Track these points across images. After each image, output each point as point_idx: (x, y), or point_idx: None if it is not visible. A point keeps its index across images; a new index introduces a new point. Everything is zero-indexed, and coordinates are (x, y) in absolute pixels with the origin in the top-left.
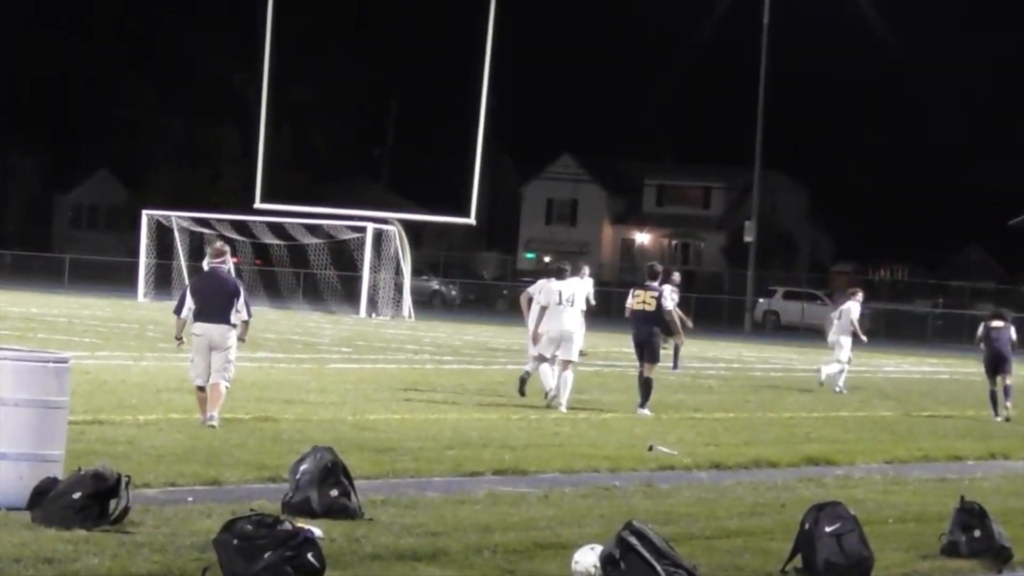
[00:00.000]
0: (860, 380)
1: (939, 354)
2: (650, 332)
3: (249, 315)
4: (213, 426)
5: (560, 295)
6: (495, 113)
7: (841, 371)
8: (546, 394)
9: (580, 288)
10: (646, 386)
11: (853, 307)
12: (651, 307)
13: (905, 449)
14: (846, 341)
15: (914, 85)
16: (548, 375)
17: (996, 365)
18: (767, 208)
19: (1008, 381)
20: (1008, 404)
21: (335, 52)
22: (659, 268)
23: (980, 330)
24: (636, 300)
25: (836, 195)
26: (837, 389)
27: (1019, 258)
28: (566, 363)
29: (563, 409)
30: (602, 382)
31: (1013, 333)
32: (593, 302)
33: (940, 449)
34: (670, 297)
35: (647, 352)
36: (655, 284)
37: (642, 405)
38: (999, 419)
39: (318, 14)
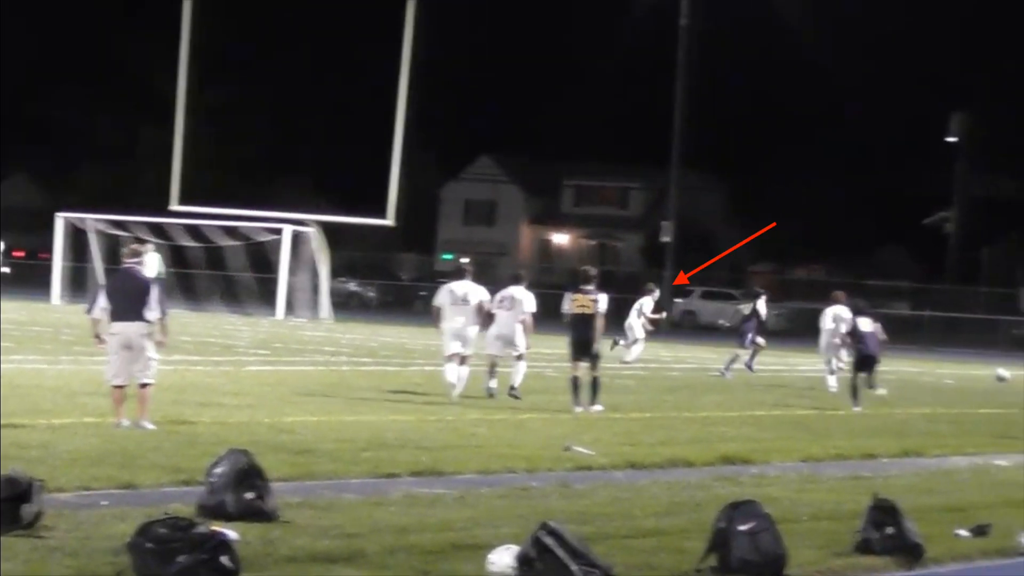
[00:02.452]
0: (776, 379)
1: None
2: (592, 335)
3: (162, 313)
4: (148, 428)
5: (453, 294)
6: (413, 114)
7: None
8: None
9: (473, 289)
10: (595, 385)
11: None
12: (590, 310)
13: (820, 447)
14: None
15: (831, 86)
16: (452, 372)
17: (868, 363)
18: (685, 208)
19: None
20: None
21: (255, 52)
22: (593, 272)
23: (847, 326)
24: (575, 304)
25: (754, 195)
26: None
27: (934, 257)
28: (463, 358)
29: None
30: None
31: (879, 331)
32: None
33: (854, 447)
34: (604, 302)
35: (590, 354)
36: (591, 288)
37: (593, 402)
38: (858, 409)
39: (237, 13)
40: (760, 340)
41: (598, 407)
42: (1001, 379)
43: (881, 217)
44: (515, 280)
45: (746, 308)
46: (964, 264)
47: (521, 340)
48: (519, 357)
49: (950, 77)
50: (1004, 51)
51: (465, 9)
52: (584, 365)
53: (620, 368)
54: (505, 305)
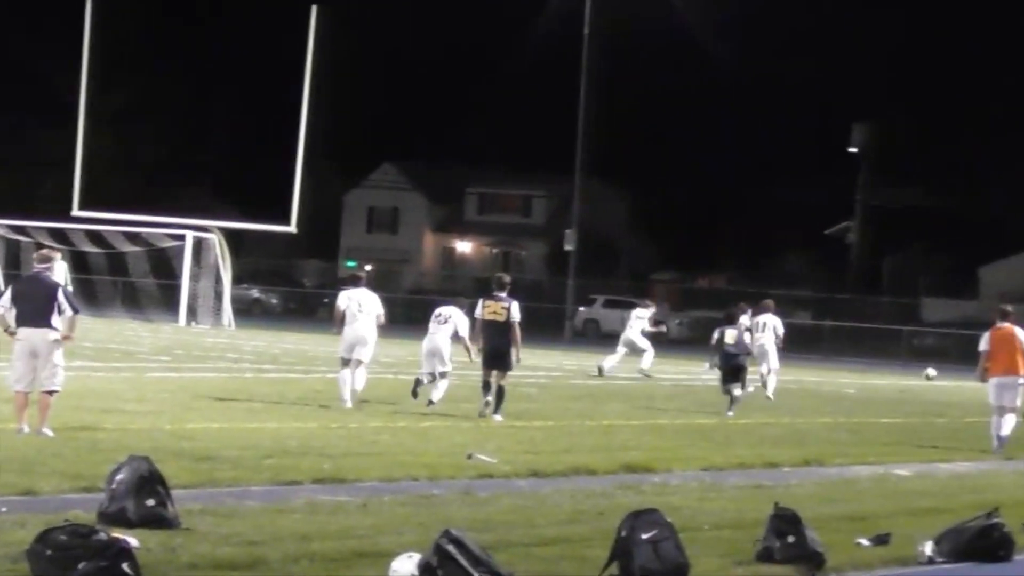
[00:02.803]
0: (678, 388)
1: (756, 361)
2: (503, 342)
3: (75, 310)
4: (48, 435)
5: (350, 301)
6: (316, 121)
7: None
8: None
9: (369, 297)
10: (500, 393)
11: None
12: (502, 317)
13: (722, 456)
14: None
15: (735, 95)
16: (346, 381)
17: (736, 372)
18: (588, 217)
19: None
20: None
21: (158, 56)
22: (507, 279)
23: (716, 335)
24: (487, 311)
25: (657, 204)
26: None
27: (837, 267)
28: (358, 363)
29: (348, 405)
30: (422, 390)
31: (746, 337)
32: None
33: (756, 456)
34: (517, 310)
35: (500, 362)
36: (503, 295)
37: (496, 411)
38: (731, 414)
39: (140, 17)
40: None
41: (498, 417)
42: (929, 378)
43: (784, 227)
44: (452, 300)
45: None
46: (866, 274)
47: (448, 357)
48: (443, 375)
49: (852, 87)
50: (905, 61)
51: (369, 16)
52: (496, 372)
53: (521, 375)
54: (439, 320)
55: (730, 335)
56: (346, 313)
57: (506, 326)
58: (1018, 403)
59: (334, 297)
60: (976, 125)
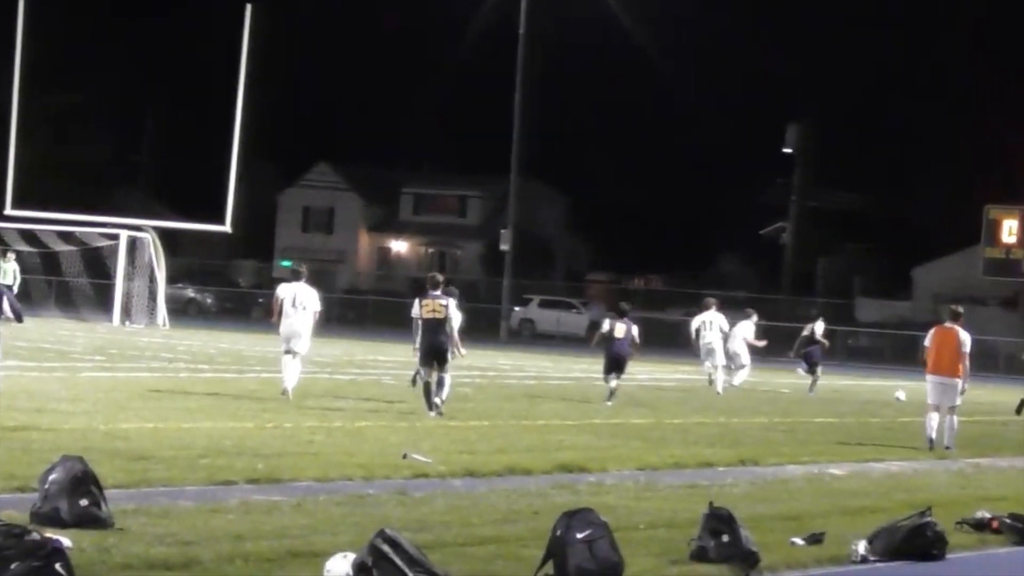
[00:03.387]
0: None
1: (692, 362)
2: (443, 339)
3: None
4: None
5: (288, 295)
6: (251, 120)
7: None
8: (284, 390)
9: (307, 292)
10: (441, 383)
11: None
12: (441, 315)
13: (657, 456)
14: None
15: (670, 96)
16: (289, 369)
17: (617, 365)
18: (524, 217)
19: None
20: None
21: (92, 56)
22: (440, 278)
23: (605, 327)
24: (425, 309)
25: (592, 205)
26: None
27: (771, 267)
28: (295, 354)
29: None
30: (357, 390)
31: (635, 331)
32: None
33: (691, 456)
34: (455, 306)
35: (441, 357)
36: (439, 293)
37: (438, 394)
38: (609, 404)
39: (73, 16)
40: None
41: (443, 396)
42: (899, 399)
43: (719, 227)
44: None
45: (807, 330)
46: (800, 275)
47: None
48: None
49: (787, 88)
50: (840, 62)
51: (303, 16)
52: (436, 367)
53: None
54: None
55: (619, 329)
56: (283, 307)
57: (445, 323)
58: (957, 402)
59: (269, 297)
60: (909, 127)
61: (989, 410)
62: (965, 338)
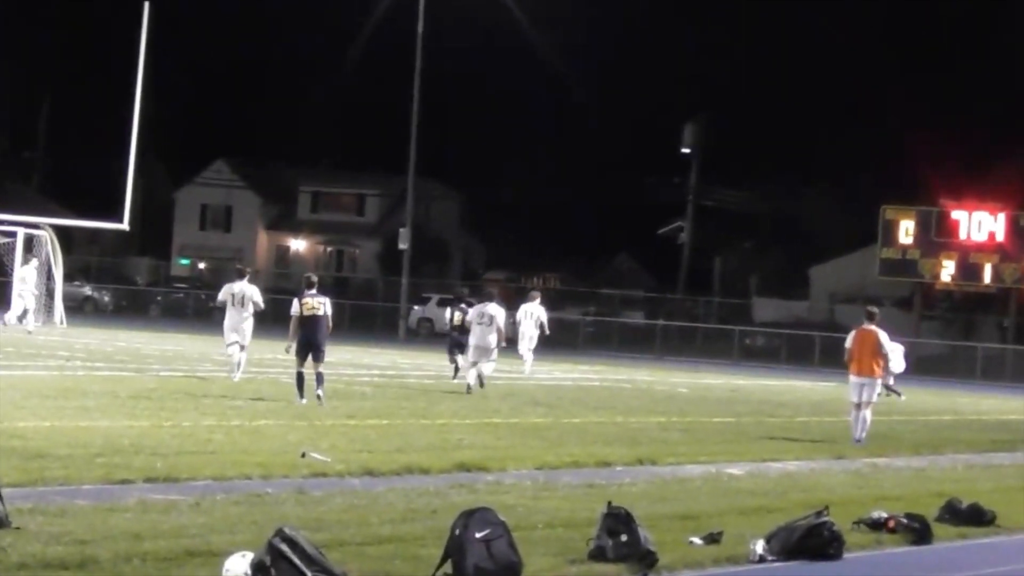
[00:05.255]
0: (512, 387)
1: (589, 361)
2: (321, 335)
3: None
4: None
5: (232, 293)
6: (148, 117)
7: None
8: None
9: (249, 290)
10: (321, 377)
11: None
12: (320, 312)
13: (555, 455)
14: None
15: (567, 95)
16: (234, 354)
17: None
18: (421, 216)
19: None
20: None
21: None
22: (315, 279)
23: (447, 314)
24: (305, 307)
25: (488, 204)
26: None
27: (668, 266)
28: (242, 347)
29: (235, 379)
30: (255, 389)
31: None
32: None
33: (589, 455)
34: (329, 305)
35: (318, 352)
36: (315, 291)
37: (318, 388)
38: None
39: None
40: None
41: (321, 391)
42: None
43: (616, 226)
44: (488, 297)
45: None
46: (697, 274)
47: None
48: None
49: (685, 87)
50: (738, 62)
51: (201, 12)
52: (313, 362)
53: (355, 374)
54: (485, 322)
55: (457, 316)
56: (227, 304)
57: (323, 320)
58: (874, 399)
59: (167, 295)
60: (805, 128)
61: (885, 410)
62: (884, 338)
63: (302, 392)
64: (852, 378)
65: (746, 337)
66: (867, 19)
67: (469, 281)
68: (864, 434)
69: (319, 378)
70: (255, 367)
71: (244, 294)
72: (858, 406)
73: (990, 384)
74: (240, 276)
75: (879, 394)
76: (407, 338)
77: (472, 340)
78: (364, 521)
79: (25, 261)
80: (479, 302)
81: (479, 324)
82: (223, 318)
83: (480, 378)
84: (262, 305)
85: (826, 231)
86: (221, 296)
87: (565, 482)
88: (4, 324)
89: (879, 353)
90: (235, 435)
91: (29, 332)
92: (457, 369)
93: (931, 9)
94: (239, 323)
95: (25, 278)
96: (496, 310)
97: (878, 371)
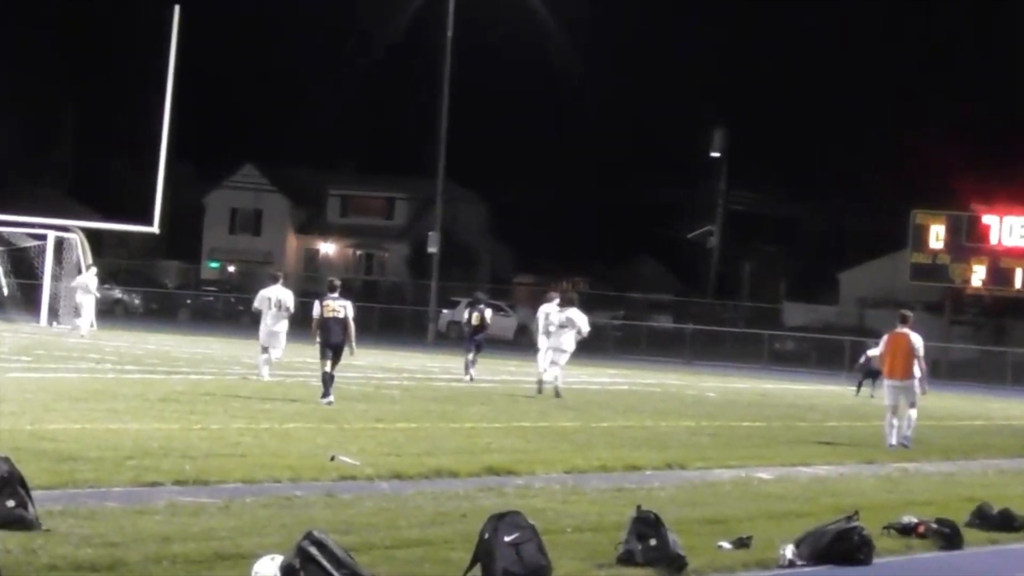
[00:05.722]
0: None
1: (618, 365)
2: (342, 337)
3: None
4: None
5: (268, 299)
6: (178, 120)
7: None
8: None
9: (283, 295)
10: (331, 379)
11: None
12: (341, 315)
13: (584, 459)
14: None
15: (592, 102)
16: (267, 362)
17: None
18: (449, 220)
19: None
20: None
21: (14, 52)
22: (337, 283)
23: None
24: (327, 310)
25: (516, 208)
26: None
27: (697, 271)
28: (269, 351)
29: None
30: (285, 392)
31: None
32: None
33: (618, 459)
34: (351, 308)
35: (339, 353)
36: (337, 295)
37: (327, 394)
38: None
39: None
40: None
41: (331, 398)
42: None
43: (645, 230)
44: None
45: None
46: (726, 278)
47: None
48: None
49: (715, 93)
50: (768, 67)
51: (232, 18)
52: (331, 362)
53: (384, 377)
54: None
55: (475, 317)
56: (262, 310)
57: (344, 322)
58: (915, 400)
59: (196, 298)
60: (835, 132)
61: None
62: (917, 342)
63: (328, 389)
64: (886, 382)
65: (775, 341)
66: (900, 23)
67: (497, 285)
68: (911, 431)
69: (331, 378)
70: (283, 370)
71: (280, 299)
72: (894, 411)
73: (1021, 389)
74: (274, 281)
75: (918, 395)
76: (436, 341)
77: (551, 342)
78: (393, 524)
79: (85, 268)
80: (560, 308)
81: (561, 327)
82: (253, 322)
83: (557, 390)
84: (292, 309)
85: (857, 235)
86: (257, 303)
87: (594, 486)
88: (81, 335)
89: (913, 356)
90: (264, 438)
91: (83, 336)
92: (468, 368)
93: (963, 13)
94: (275, 329)
95: (88, 285)
96: (577, 315)
97: (913, 374)
